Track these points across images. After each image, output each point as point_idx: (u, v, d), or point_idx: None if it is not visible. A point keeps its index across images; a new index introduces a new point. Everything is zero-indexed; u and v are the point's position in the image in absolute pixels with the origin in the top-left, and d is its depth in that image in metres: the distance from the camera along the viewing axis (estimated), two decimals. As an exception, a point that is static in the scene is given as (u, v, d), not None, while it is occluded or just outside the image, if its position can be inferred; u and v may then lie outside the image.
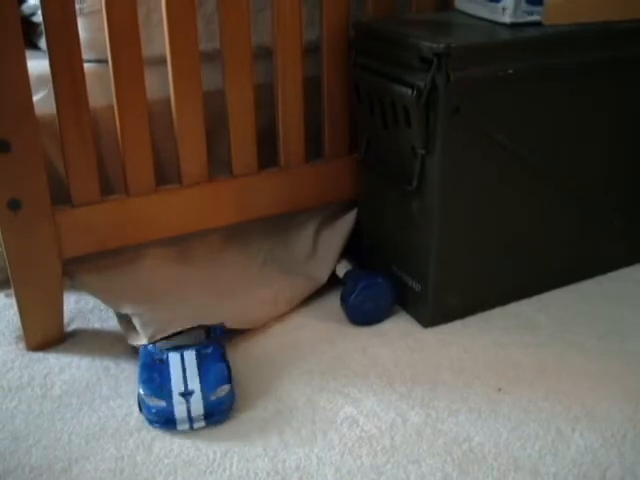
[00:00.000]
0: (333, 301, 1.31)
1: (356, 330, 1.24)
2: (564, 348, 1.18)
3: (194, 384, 1.04)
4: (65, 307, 1.21)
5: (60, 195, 1.16)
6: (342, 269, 1.33)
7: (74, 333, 1.24)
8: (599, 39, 1.17)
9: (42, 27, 1.05)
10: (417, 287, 1.23)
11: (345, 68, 1.29)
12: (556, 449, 0.97)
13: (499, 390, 1.08)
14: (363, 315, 1.25)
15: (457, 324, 1.25)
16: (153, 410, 1.01)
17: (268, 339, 1.21)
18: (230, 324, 1.19)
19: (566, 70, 1.16)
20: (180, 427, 1.01)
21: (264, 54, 1.25)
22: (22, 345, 1.20)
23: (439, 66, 1.05)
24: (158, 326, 1.15)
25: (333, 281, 1.34)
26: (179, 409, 1.00)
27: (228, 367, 1.08)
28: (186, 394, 1.02)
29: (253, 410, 1.05)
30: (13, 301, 1.17)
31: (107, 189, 1.21)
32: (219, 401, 1.02)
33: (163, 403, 1.01)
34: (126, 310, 1.19)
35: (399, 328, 1.24)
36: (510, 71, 1.10)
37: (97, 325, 1.26)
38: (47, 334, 1.20)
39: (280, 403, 1.06)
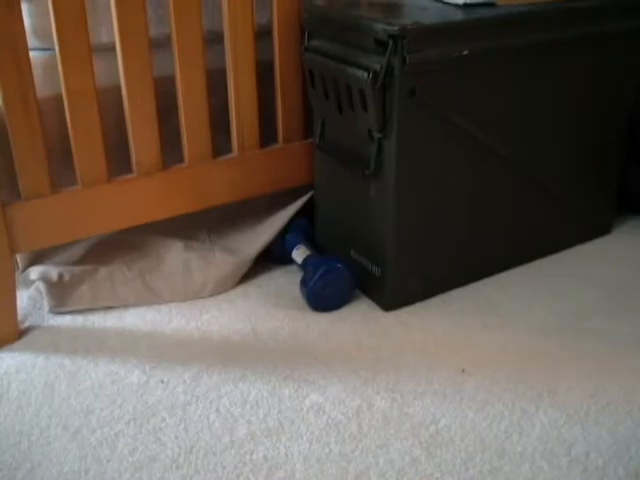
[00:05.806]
0: (293, 288, 1.30)
1: (317, 316, 1.23)
2: (524, 327, 1.19)
3: None
4: (18, 303, 1.18)
5: (10, 189, 1.12)
6: (301, 255, 1.32)
7: (28, 330, 1.20)
8: (552, 19, 1.18)
9: (-16, 14, 1.01)
10: (377, 271, 1.23)
11: (298, 52, 1.27)
12: (521, 428, 0.98)
13: (463, 371, 1.09)
14: (323, 301, 1.24)
15: (418, 307, 1.25)
16: None
17: (227, 329, 1.20)
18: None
19: (520, 50, 1.17)
20: None
21: (216, 39, 1.22)
22: (-26, 345, 1.16)
23: (395, 48, 1.04)
24: (61, 300, 1.18)
25: (292, 267, 1.32)
26: None
27: None
28: None
29: (218, 402, 1.04)
30: (-37, 300, 1.14)
31: (58, 182, 1.17)
32: None
33: None
34: (35, 275, 1.20)
35: (360, 313, 1.24)
36: (465, 52, 1.10)
37: (52, 322, 1.22)
38: (1, 332, 1.16)
39: (245, 393, 1.05)
